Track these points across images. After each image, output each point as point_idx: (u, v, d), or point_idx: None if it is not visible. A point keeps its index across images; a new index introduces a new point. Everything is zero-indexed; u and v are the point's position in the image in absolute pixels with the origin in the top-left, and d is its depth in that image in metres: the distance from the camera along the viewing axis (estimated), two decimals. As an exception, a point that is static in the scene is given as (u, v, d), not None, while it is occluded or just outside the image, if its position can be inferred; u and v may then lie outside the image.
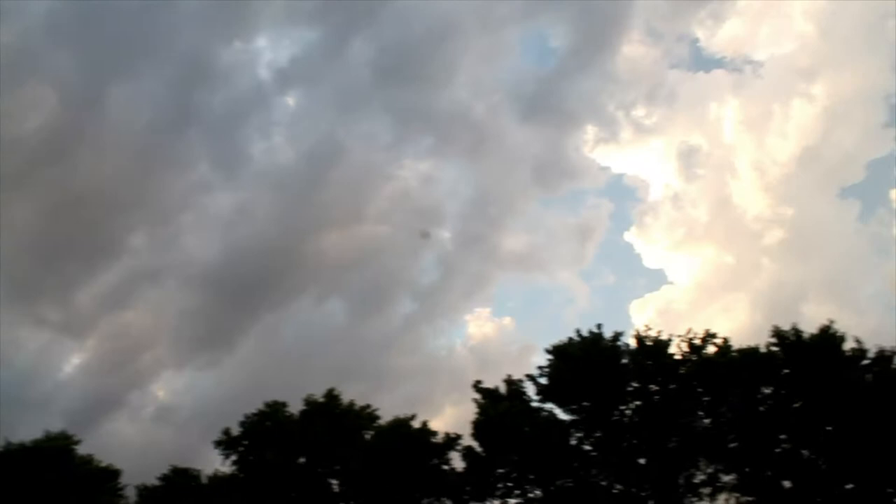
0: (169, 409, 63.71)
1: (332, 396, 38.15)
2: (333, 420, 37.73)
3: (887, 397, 32.88)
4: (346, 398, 38.66)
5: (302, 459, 37.70)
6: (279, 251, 74.94)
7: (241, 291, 70.71)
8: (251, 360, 67.66)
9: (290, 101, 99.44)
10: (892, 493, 32.90)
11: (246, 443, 37.89)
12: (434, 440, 37.29)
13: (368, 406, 38.42)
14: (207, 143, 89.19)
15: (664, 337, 34.97)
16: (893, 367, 33.30)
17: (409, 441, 36.92)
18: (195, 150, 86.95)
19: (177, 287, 77.24)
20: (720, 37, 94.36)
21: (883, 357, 33.45)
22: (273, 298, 75.28)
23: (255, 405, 38.65)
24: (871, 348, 33.71)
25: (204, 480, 38.45)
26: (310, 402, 38.29)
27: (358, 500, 37.26)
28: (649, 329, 35.31)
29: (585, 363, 34.74)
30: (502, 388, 36.44)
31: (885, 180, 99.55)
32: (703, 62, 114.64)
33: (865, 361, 33.60)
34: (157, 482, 38.37)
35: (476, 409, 36.33)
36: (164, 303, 75.65)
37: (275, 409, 38.18)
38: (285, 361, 65.73)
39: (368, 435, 38.06)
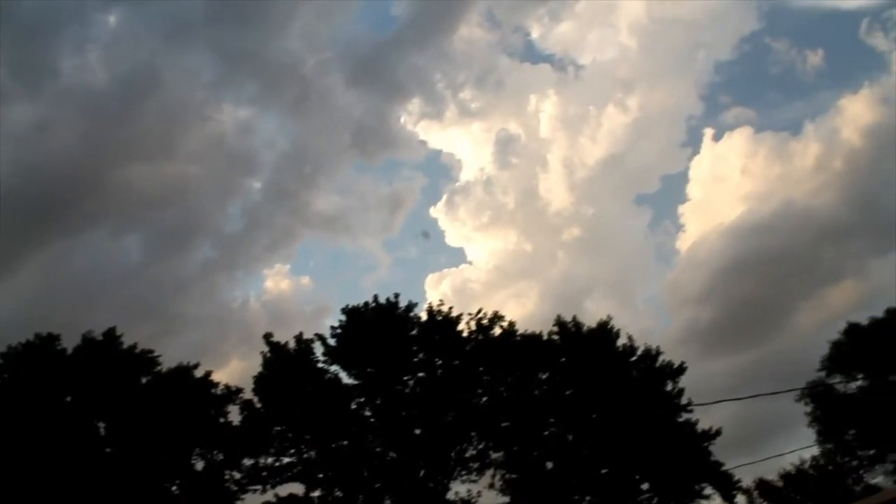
0: (-69, 334, 58.07)
1: (111, 335, 36.02)
2: (110, 361, 35.68)
3: (648, 393, 35.49)
4: (130, 339, 36.52)
5: (69, 398, 35.49)
6: (77, 176, 69.84)
7: (30, 213, 64.30)
8: (32, 289, 63.03)
9: (112, 19, 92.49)
10: (639, 480, 35.59)
11: (6, 375, 35.09)
12: (215, 391, 36.21)
13: (151, 350, 36.58)
14: (9, 48, 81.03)
15: (455, 314, 35.77)
16: (657, 366, 35.87)
17: (188, 390, 35.65)
18: (-6, 53, 79.63)
19: (-44, 201, 70.40)
20: (553, 35, 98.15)
21: (649, 355, 35.96)
22: (65, 225, 70.15)
23: (29, 336, 35.97)
24: (641, 346, 36.19)
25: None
26: (86, 339, 35.99)
27: (124, 445, 35.55)
28: (442, 304, 36.08)
29: (376, 330, 34.88)
30: (292, 345, 35.84)
31: (675, 195, 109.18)
32: (532, 56, 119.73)
33: (633, 358, 35.94)
34: None
35: (261, 363, 35.66)
36: (-60, 217, 68.74)
37: (45, 342, 35.55)
38: (70, 294, 61.77)
39: (146, 380, 36.39)
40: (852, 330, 38.98)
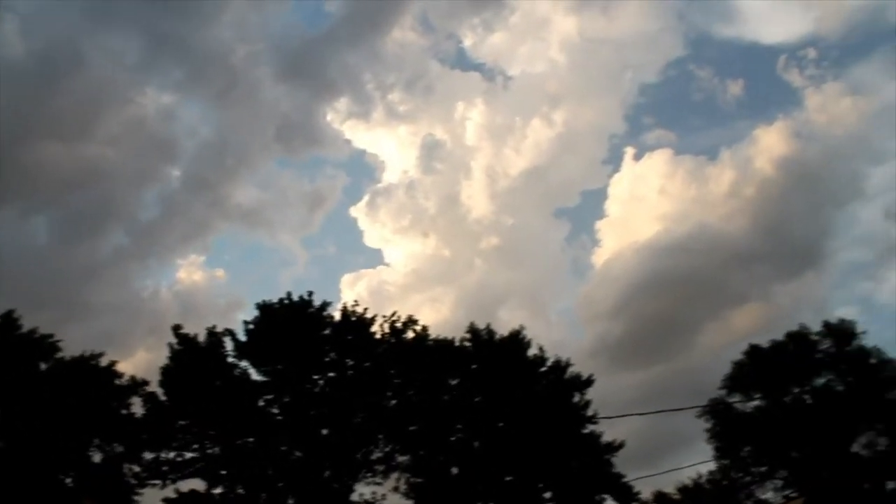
0: None
1: (8, 318, 34.63)
2: (6, 345, 34.29)
3: (555, 404, 36.13)
4: (31, 324, 35.35)
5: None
6: (-15, 152, 67.15)
7: (-70, 188, 62.31)
8: (-71, 267, 60.11)
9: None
10: (542, 488, 36.18)
11: None
12: (118, 382, 35.25)
13: (51, 335, 35.34)
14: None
15: (369, 315, 35.73)
16: (565, 377, 36.56)
17: (91, 379, 34.60)
18: None
19: None
20: (485, 44, 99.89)
21: (558, 367, 36.60)
22: (-31, 202, 67.58)
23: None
24: (551, 357, 36.79)
25: None
26: (-18, 323, 34.56)
27: (18, 434, 34.22)
28: (357, 305, 35.99)
29: (288, 327, 34.56)
30: (202, 338, 35.17)
31: (594, 211, 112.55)
32: (463, 63, 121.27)
33: (543, 369, 36.53)
34: None
35: (169, 355, 34.89)
36: None
37: (-63, 323, 34.01)
38: (-31, 274, 59.07)
39: (46, 367, 35.15)
40: (753, 351, 40.61)
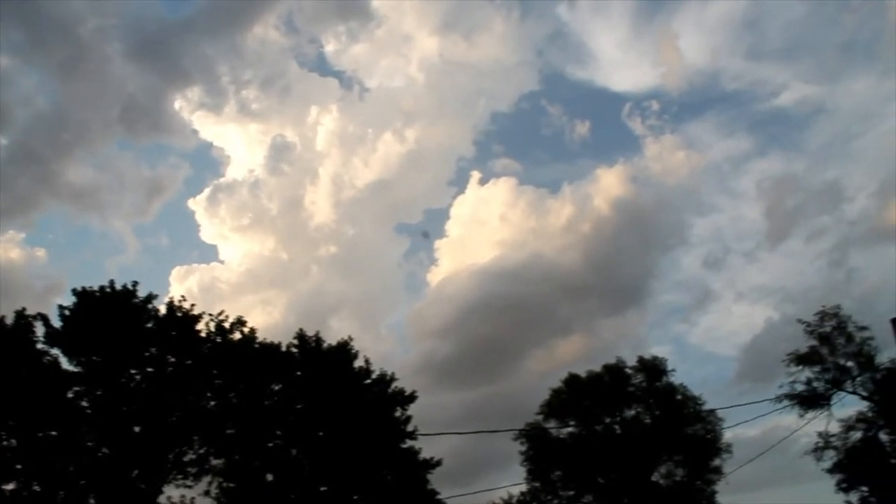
0: None
1: None
2: None
3: (376, 417, 36.69)
4: None
5: None
6: None
7: None
8: None
9: None
10: (357, 500, 36.47)
11: None
12: None
13: None
14: None
15: (196, 312, 34.98)
16: (389, 391, 37.23)
17: None
18: None
19: None
20: (347, 53, 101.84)
21: (383, 380, 37.25)
22: None
23: None
24: (376, 370, 37.40)
25: None
26: None
27: None
28: (184, 300, 35.19)
29: (108, 317, 33.31)
30: (10, 321, 33.23)
31: (435, 229, 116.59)
32: (323, 69, 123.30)
33: (368, 381, 37.06)
34: None
35: (-31, 338, 32.74)
36: None
37: None
38: None
39: None
40: (572, 380, 42.96)
